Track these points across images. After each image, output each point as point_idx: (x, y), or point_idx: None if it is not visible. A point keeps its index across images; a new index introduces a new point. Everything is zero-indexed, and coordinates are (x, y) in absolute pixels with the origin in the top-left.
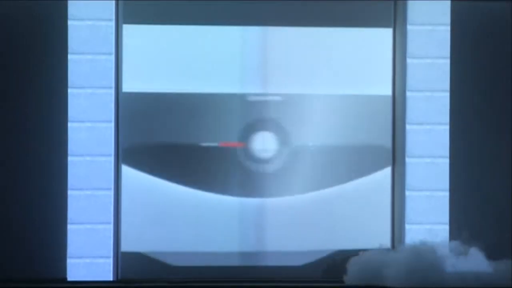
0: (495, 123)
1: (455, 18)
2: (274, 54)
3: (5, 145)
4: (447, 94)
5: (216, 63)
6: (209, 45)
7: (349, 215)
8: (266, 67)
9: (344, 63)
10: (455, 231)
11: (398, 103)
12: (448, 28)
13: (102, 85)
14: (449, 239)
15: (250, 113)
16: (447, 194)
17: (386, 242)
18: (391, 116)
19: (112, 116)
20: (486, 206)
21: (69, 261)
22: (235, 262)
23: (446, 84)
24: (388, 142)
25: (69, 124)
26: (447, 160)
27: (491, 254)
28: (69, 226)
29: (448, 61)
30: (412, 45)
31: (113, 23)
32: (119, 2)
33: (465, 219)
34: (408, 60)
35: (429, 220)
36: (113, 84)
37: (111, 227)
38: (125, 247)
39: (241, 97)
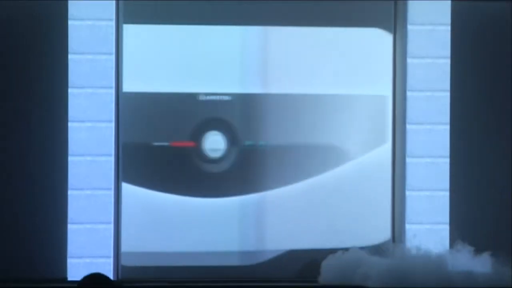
0: (495, 123)
1: (455, 18)
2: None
3: (6, 145)
4: (447, 94)
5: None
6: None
7: (302, 215)
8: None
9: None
10: (455, 231)
11: (398, 103)
12: (448, 28)
13: (102, 85)
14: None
15: (202, 113)
16: (447, 194)
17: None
18: (391, 116)
19: (112, 116)
20: (486, 206)
21: (69, 261)
22: (190, 262)
23: (446, 84)
24: (340, 142)
25: (69, 124)
26: (447, 160)
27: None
28: (69, 226)
29: (448, 61)
30: (412, 45)
31: (113, 23)
32: (119, 2)
33: (465, 219)
34: (408, 60)
35: (429, 220)
36: (113, 84)
37: (111, 227)
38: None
39: (193, 97)
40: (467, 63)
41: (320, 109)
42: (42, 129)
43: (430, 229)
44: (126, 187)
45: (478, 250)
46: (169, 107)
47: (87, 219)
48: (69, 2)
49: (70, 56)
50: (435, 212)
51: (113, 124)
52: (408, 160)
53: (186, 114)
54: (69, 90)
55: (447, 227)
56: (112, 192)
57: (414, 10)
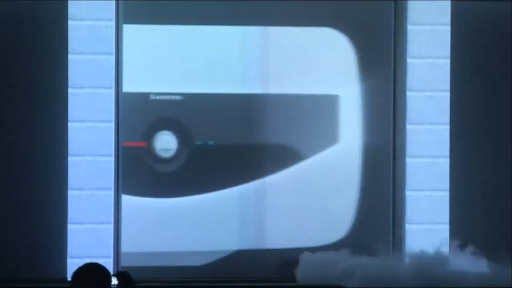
0: (495, 123)
1: (455, 18)
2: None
3: (6, 145)
4: (447, 94)
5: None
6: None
7: (253, 214)
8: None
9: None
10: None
11: (398, 103)
12: (448, 28)
13: (102, 85)
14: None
15: (153, 113)
16: (447, 194)
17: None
18: (391, 116)
19: (112, 116)
20: (486, 206)
21: (69, 261)
22: (143, 262)
23: (446, 84)
24: (291, 142)
25: (70, 124)
26: (447, 160)
27: (491, 254)
28: (69, 226)
29: (448, 61)
30: (412, 45)
31: (113, 23)
32: (119, 2)
33: (465, 219)
34: (408, 60)
35: (429, 220)
36: (113, 84)
37: (111, 227)
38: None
39: (144, 97)
40: (467, 63)
41: (271, 109)
42: (42, 129)
43: (430, 229)
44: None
45: (478, 250)
46: (123, 106)
47: (87, 219)
48: (69, 2)
49: (70, 56)
50: (435, 212)
51: (113, 124)
52: (408, 160)
53: (137, 113)
54: (69, 90)
55: (447, 227)
56: (112, 192)
57: (413, 10)
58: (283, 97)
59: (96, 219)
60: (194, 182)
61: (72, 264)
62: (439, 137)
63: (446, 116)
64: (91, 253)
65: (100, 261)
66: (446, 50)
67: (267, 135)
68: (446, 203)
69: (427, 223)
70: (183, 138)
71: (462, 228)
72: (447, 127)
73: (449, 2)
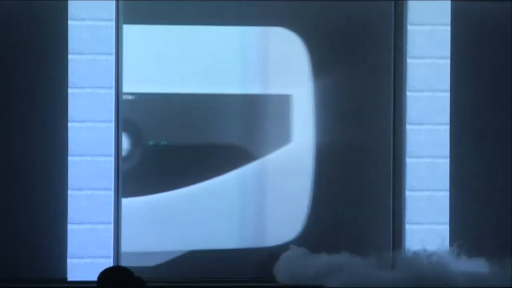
0: (495, 123)
1: (455, 18)
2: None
3: (5, 145)
4: (447, 94)
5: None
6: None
7: (205, 214)
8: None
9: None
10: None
11: (398, 103)
12: (448, 28)
13: (102, 85)
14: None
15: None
16: (447, 194)
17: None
18: (391, 116)
19: (112, 116)
20: (486, 206)
21: (69, 261)
22: None
23: (446, 84)
24: (244, 142)
25: (69, 124)
26: (447, 160)
27: (491, 254)
28: (69, 226)
29: (448, 61)
30: (412, 45)
31: (113, 23)
32: (119, 2)
33: (465, 219)
34: (408, 60)
35: (429, 220)
36: (113, 84)
37: (111, 227)
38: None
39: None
40: (467, 63)
41: (224, 108)
42: (42, 129)
43: (430, 229)
44: None
45: (478, 250)
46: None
47: (87, 219)
48: (69, 2)
49: (70, 56)
50: (435, 212)
51: (113, 124)
52: (408, 160)
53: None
54: (69, 90)
55: (447, 227)
56: (112, 192)
57: (413, 10)
58: (235, 97)
59: (96, 219)
60: (146, 182)
61: (72, 264)
62: (439, 137)
63: (446, 116)
64: (91, 253)
65: (100, 261)
66: (446, 50)
67: (218, 135)
68: (446, 203)
69: (427, 223)
70: (135, 138)
71: (462, 228)
72: (447, 127)
73: (449, 2)
